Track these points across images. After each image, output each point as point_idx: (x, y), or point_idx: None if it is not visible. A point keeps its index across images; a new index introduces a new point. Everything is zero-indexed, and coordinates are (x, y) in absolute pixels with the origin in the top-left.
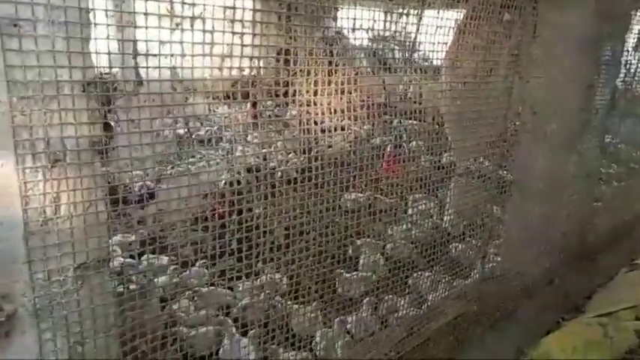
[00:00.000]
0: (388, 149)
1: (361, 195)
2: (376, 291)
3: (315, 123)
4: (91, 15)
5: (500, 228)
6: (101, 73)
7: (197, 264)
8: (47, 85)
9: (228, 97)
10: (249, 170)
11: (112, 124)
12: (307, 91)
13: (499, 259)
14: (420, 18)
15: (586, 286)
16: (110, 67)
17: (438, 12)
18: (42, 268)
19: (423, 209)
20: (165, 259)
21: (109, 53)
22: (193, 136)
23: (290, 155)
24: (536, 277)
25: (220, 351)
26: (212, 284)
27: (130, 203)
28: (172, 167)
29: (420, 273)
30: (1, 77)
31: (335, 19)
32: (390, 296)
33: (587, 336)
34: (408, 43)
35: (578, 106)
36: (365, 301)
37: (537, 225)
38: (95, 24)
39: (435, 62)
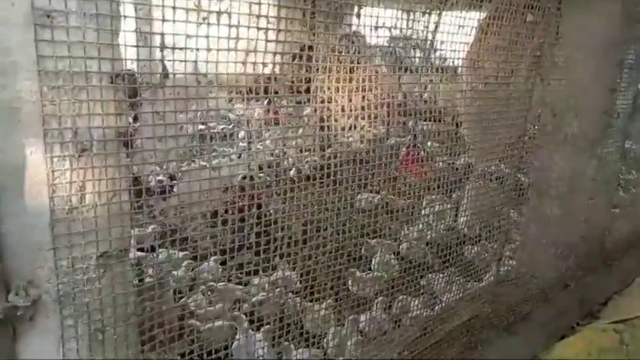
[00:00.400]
0: (404, 149)
1: (377, 195)
2: (390, 290)
3: (336, 120)
4: (120, 7)
5: (516, 230)
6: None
7: (211, 259)
8: (77, 76)
9: (251, 92)
10: (269, 166)
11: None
12: (329, 88)
13: (515, 261)
14: (440, 17)
15: (602, 292)
16: (137, 60)
17: (461, 11)
18: (66, 255)
19: (441, 210)
20: (179, 254)
21: (137, 46)
22: (212, 131)
23: (306, 153)
24: (551, 281)
25: (234, 344)
26: (225, 279)
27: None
28: (189, 163)
29: (435, 274)
30: (33, 67)
31: (358, 15)
32: (404, 296)
33: (603, 342)
34: (428, 43)
35: (599, 110)
36: (378, 300)
37: (554, 228)
38: (124, 16)
39: (455, 62)
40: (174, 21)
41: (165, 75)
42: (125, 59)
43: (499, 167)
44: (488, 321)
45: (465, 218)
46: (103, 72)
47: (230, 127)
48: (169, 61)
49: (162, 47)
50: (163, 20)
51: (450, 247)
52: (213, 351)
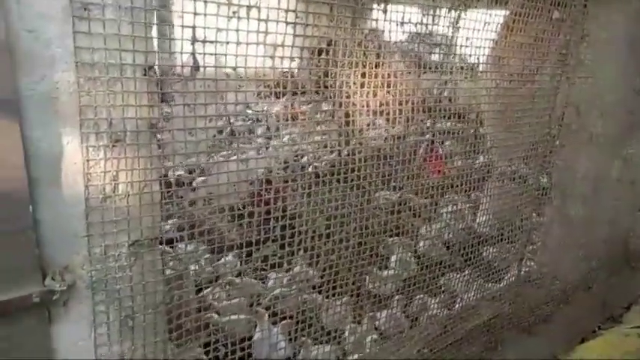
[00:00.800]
0: (424, 147)
1: (396, 193)
2: (408, 289)
3: (360, 115)
4: (154, 1)
5: (539, 231)
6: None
7: (236, 251)
8: (112, 68)
9: (278, 86)
10: (294, 160)
11: None
12: (354, 83)
13: (537, 262)
14: (464, 13)
15: (625, 295)
16: (170, 53)
17: (486, 8)
18: (99, 243)
19: (461, 209)
20: (204, 246)
21: (169, 38)
22: (238, 125)
23: (328, 148)
24: (574, 283)
25: (255, 336)
26: (250, 271)
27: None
28: (215, 156)
29: (454, 273)
30: (70, 58)
31: (385, 11)
32: (423, 295)
33: (625, 347)
34: (452, 40)
35: (625, 110)
36: (396, 298)
37: (577, 229)
38: (158, 10)
39: (479, 59)
40: (205, 14)
41: (196, 68)
42: (158, 52)
43: (522, 166)
44: (508, 321)
45: (486, 217)
46: (136, 64)
47: (250, 122)
48: (200, 54)
49: (194, 40)
50: (195, 14)
51: (470, 247)
52: (237, 342)
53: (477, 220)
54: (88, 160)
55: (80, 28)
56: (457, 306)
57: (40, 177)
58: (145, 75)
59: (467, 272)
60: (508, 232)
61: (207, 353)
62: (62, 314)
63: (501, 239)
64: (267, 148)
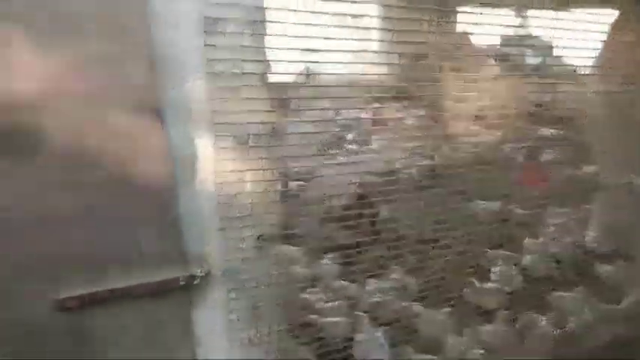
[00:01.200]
0: (524, 156)
1: (497, 203)
2: (513, 304)
3: (460, 121)
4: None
5: None
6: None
7: (331, 257)
8: (236, 77)
9: (383, 92)
10: (400, 164)
11: None
12: (453, 89)
13: None
14: (566, 13)
15: None
16: (286, 62)
17: (590, 6)
18: (229, 236)
19: (566, 222)
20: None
21: (286, 49)
22: (344, 131)
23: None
24: None
25: (357, 338)
26: (343, 277)
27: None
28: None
29: (564, 290)
30: (200, 69)
31: (481, 14)
32: (529, 311)
33: None
34: (552, 41)
35: None
36: (499, 313)
37: None
38: (275, 22)
39: (583, 62)
40: (316, 25)
41: (309, 75)
42: (276, 61)
43: (636, 178)
44: (629, 347)
45: (597, 233)
46: (257, 73)
47: (354, 127)
48: (313, 62)
49: (307, 50)
50: (307, 25)
51: (579, 263)
52: (338, 342)
53: (588, 234)
54: (218, 161)
55: (210, 41)
56: (568, 325)
57: (180, 177)
58: (265, 83)
59: (579, 290)
60: (625, 248)
61: (312, 350)
62: (201, 301)
63: (618, 256)
64: (370, 153)
